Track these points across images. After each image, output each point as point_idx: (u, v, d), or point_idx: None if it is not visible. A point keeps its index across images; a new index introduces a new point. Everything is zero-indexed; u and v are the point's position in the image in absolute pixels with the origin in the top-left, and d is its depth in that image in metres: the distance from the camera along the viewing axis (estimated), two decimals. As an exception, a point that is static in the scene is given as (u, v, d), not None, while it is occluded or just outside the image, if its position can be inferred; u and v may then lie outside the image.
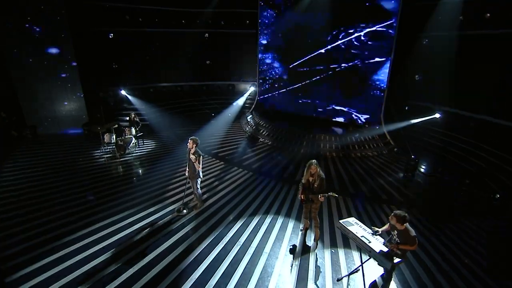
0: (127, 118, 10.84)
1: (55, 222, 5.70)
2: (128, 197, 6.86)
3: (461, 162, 10.00)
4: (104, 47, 13.46)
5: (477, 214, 7.00)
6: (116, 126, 9.88)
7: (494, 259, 5.31)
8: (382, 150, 10.81)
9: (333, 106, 13.53)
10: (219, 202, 6.93)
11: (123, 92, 13.95)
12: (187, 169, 6.13)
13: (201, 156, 5.99)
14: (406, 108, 12.58)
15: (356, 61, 12.24)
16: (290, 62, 14.40)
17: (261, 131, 12.46)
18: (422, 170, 9.44)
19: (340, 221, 4.42)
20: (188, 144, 5.95)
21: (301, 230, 5.82)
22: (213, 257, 4.96)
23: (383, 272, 4.73)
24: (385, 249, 3.80)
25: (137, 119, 10.52)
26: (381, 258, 3.67)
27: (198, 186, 6.32)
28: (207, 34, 16.04)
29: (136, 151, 10.01)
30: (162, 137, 11.76)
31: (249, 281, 4.47)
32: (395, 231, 4.03)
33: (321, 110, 13.93)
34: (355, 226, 4.29)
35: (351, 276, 4.63)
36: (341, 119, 13.30)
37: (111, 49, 13.77)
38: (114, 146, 9.61)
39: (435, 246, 5.63)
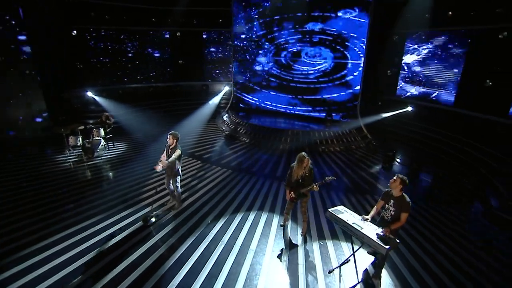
0: (98, 120, 9.85)
1: (14, 233, 4.99)
2: (98, 201, 6.24)
3: (435, 152, 10.43)
4: (67, 45, 12.49)
5: (453, 199, 7.23)
6: (82, 127, 9.10)
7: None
8: (359, 143, 10.97)
9: (310, 101, 13.59)
10: (198, 201, 6.52)
11: (89, 94, 13.00)
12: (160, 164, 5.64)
13: (180, 152, 5.53)
14: (379, 103, 12.98)
15: (331, 55, 12.39)
16: (265, 57, 14.27)
17: (238, 129, 12.17)
18: (398, 161, 9.67)
19: (329, 209, 4.25)
20: (168, 139, 5.51)
21: (281, 225, 5.60)
22: (195, 258, 4.57)
23: (373, 259, 4.66)
24: (379, 234, 3.67)
25: (110, 121, 9.73)
26: (376, 244, 3.52)
27: (178, 185, 5.87)
28: (179, 33, 15.55)
29: (106, 154, 9.26)
30: (134, 139, 11.05)
31: (237, 281, 4.14)
32: (391, 201, 4.02)
33: (297, 106, 13.92)
34: (345, 214, 4.14)
35: (342, 267, 4.47)
36: (318, 115, 13.37)
37: (75, 47, 12.83)
38: (80, 149, 8.82)
39: (419, 231, 5.67)
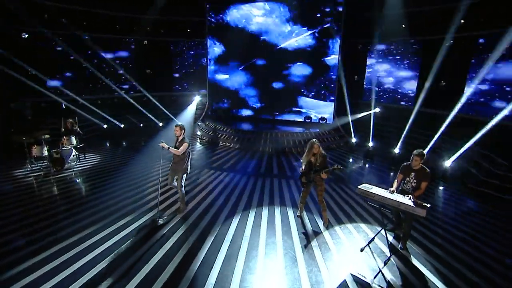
0: (63, 129, 8.41)
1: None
2: (85, 213, 5.45)
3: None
4: (16, 48, 10.99)
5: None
6: (48, 136, 7.94)
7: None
8: (339, 142, 11.58)
9: (289, 106, 13.98)
10: (202, 203, 6.11)
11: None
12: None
13: (188, 145, 5.22)
14: (348, 107, 13.94)
15: (308, 63, 13.08)
16: (243, 64, 14.36)
17: (220, 135, 11.92)
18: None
19: (359, 186, 4.36)
20: (175, 132, 5.15)
21: (298, 216, 5.55)
22: (223, 257, 4.21)
23: (393, 235, 4.89)
24: (413, 200, 3.94)
25: (77, 128, 8.58)
26: (416, 208, 3.72)
27: (183, 184, 5.43)
28: (146, 41, 14.90)
29: (78, 165, 8.17)
30: (106, 150, 10.00)
31: (275, 273, 3.91)
32: (412, 173, 4.37)
33: (277, 110, 14.18)
34: (374, 189, 4.29)
35: (370, 244, 4.58)
36: (298, 118, 13.79)
37: (25, 51, 11.36)
38: (46, 162, 7.65)
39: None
